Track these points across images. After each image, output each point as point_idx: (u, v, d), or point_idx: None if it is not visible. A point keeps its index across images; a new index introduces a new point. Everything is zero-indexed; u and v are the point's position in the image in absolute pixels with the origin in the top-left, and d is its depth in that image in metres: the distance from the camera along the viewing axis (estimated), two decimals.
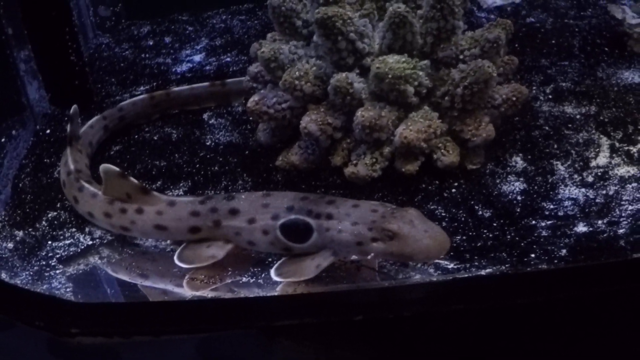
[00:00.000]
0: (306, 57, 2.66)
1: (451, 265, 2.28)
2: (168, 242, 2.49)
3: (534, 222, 2.43)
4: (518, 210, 2.49)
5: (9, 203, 2.79)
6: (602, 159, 2.68)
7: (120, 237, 2.53)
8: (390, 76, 2.47)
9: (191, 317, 2.24)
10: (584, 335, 2.28)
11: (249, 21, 3.96)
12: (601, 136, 2.78)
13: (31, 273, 2.44)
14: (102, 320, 2.27)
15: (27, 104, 3.31)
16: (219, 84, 3.17)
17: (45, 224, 2.65)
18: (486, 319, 2.22)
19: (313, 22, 2.57)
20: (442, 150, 2.56)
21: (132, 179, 2.42)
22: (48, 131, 3.16)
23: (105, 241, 2.54)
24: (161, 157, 2.91)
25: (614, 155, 2.69)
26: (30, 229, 2.63)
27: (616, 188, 2.55)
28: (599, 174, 2.62)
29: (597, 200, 2.50)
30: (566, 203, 2.50)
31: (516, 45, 3.30)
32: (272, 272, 2.25)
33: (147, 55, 3.73)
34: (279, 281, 2.23)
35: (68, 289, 2.36)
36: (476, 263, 2.28)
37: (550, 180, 2.60)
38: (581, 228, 2.39)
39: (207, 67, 3.53)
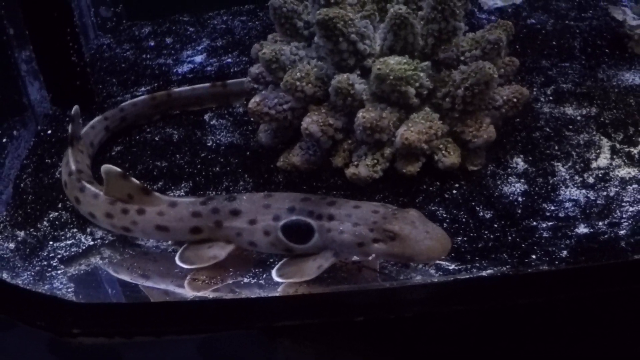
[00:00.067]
0: (307, 58, 2.66)
1: (452, 267, 2.29)
2: (169, 242, 2.49)
3: (534, 223, 2.44)
4: (519, 211, 2.49)
5: (10, 203, 2.79)
6: (603, 161, 2.69)
7: (121, 238, 2.53)
8: (391, 77, 2.47)
9: (193, 317, 2.25)
10: (585, 336, 2.28)
11: (250, 22, 3.96)
12: (602, 137, 2.79)
13: (32, 273, 2.44)
14: (103, 321, 2.28)
15: (29, 105, 3.31)
16: (220, 84, 3.17)
17: (47, 225, 2.65)
18: (487, 320, 2.23)
19: (314, 23, 2.57)
20: (443, 152, 2.57)
21: (133, 179, 2.42)
22: (49, 131, 3.16)
23: (106, 242, 2.54)
24: (162, 158, 2.91)
25: (614, 156, 2.70)
26: (31, 229, 2.63)
27: (617, 189, 2.55)
28: (600, 175, 2.62)
29: (598, 202, 2.51)
30: (567, 204, 2.51)
31: (517, 46, 3.31)
32: (274, 272, 2.25)
33: (148, 56, 3.72)
34: (280, 282, 2.23)
35: (69, 290, 2.36)
36: (477, 264, 2.28)
37: (551, 182, 2.61)
38: (582, 229, 2.39)
39: (208, 68, 3.53)
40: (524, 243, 2.36)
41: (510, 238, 2.38)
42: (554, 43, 3.43)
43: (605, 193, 2.54)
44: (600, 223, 2.42)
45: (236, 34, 3.85)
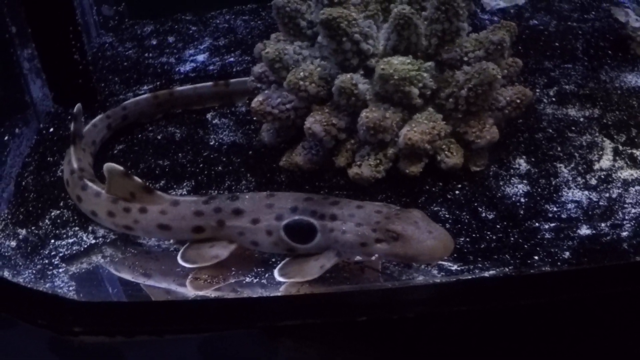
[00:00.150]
0: (311, 58, 2.66)
1: (454, 267, 2.28)
2: (171, 241, 2.48)
3: (537, 224, 2.43)
4: (521, 212, 2.49)
5: (12, 201, 2.79)
6: (606, 162, 2.69)
7: (123, 236, 2.53)
8: (395, 77, 2.47)
9: (194, 316, 2.24)
10: (587, 337, 2.28)
11: (252, 21, 3.96)
12: (604, 139, 2.79)
13: (34, 271, 2.43)
14: (105, 319, 2.27)
15: (31, 103, 3.31)
16: (222, 84, 3.17)
17: (48, 223, 2.64)
18: (489, 321, 2.22)
19: (317, 23, 2.57)
20: (446, 152, 2.56)
21: (135, 178, 2.42)
22: (51, 130, 3.16)
23: (108, 240, 2.54)
24: (165, 157, 2.91)
25: (617, 158, 2.70)
26: (33, 228, 2.63)
27: (619, 191, 2.55)
28: (602, 176, 2.62)
29: (601, 203, 2.51)
30: (569, 206, 2.50)
31: (519, 47, 3.30)
32: (276, 272, 2.24)
33: (150, 55, 3.72)
34: (282, 281, 2.23)
35: (71, 288, 2.36)
36: (479, 265, 2.28)
37: (553, 183, 2.61)
38: (584, 231, 2.39)
39: (211, 67, 3.53)
40: (526, 244, 2.35)
41: (512, 239, 2.38)
42: (556, 44, 3.43)
43: (607, 194, 2.54)
44: (603, 225, 2.41)
45: (238, 33, 3.85)
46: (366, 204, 2.26)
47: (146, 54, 3.73)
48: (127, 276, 2.42)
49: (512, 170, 2.67)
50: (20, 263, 2.48)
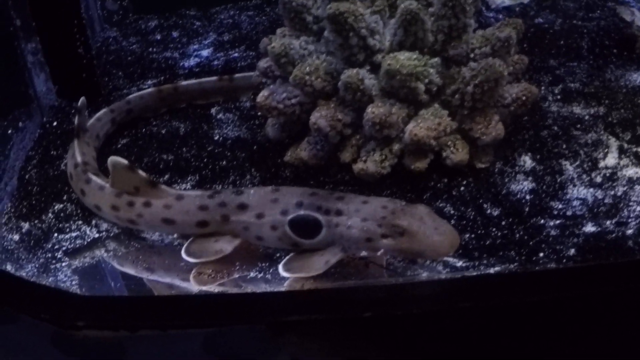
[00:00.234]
0: (316, 53, 2.65)
1: (460, 264, 2.28)
2: (175, 236, 2.48)
3: (542, 221, 2.43)
4: (526, 209, 2.48)
5: (15, 195, 2.78)
6: (611, 160, 2.68)
7: (126, 231, 2.52)
8: (401, 73, 2.47)
9: (198, 311, 2.24)
10: (592, 335, 2.27)
11: (256, 17, 3.96)
12: (610, 137, 2.78)
13: (37, 265, 2.43)
14: (108, 314, 2.26)
15: (34, 96, 3.31)
16: (227, 78, 3.17)
17: (52, 216, 2.64)
18: (494, 318, 2.22)
19: (323, 18, 2.57)
20: (452, 148, 2.56)
21: (140, 171, 2.41)
22: (55, 123, 3.16)
23: (111, 234, 2.54)
24: (169, 151, 2.90)
25: (622, 156, 2.69)
26: (36, 221, 2.62)
27: (624, 189, 2.55)
28: (608, 174, 2.61)
29: (606, 201, 2.50)
30: (575, 203, 2.50)
31: (525, 45, 3.29)
32: (280, 267, 2.24)
33: (154, 50, 3.72)
34: (286, 277, 2.22)
35: (74, 282, 2.36)
36: (485, 261, 2.28)
37: (558, 180, 2.60)
38: (590, 228, 2.39)
39: (215, 62, 3.53)
40: (531, 241, 2.35)
41: (517, 236, 2.38)
42: (561, 43, 3.42)
43: (612, 192, 2.54)
44: (608, 222, 2.41)
45: (243, 28, 3.85)
46: (372, 199, 2.26)
47: (150, 49, 3.73)
48: (130, 270, 2.42)
49: (517, 167, 2.66)
50: (23, 257, 2.47)
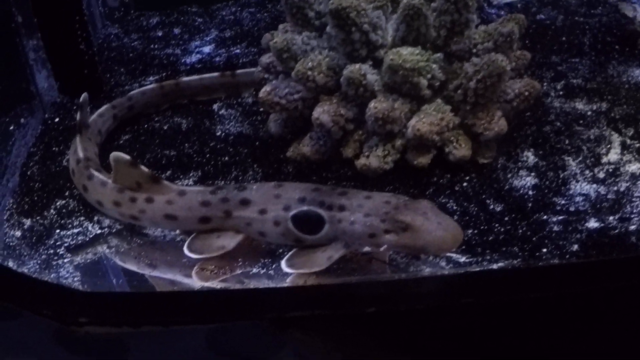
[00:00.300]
0: (319, 48, 2.65)
1: (463, 259, 2.28)
2: (177, 232, 2.47)
3: (545, 217, 2.43)
4: (529, 204, 2.48)
5: (17, 191, 2.78)
6: (613, 156, 2.68)
7: (129, 227, 2.52)
8: (404, 68, 2.47)
9: (201, 307, 2.23)
10: (595, 330, 2.27)
11: (258, 13, 3.96)
12: (612, 133, 2.79)
13: (39, 262, 2.43)
14: (110, 310, 2.26)
15: (36, 93, 3.31)
16: (229, 74, 3.17)
17: (54, 212, 2.63)
18: (497, 313, 2.22)
19: (325, 13, 2.56)
20: (454, 144, 2.55)
21: (142, 167, 2.40)
22: (57, 120, 3.16)
23: (114, 230, 2.53)
24: (171, 147, 2.90)
25: (625, 151, 2.70)
26: (38, 217, 2.62)
27: (627, 185, 2.55)
28: (610, 170, 2.61)
29: (609, 196, 2.50)
30: (577, 199, 2.50)
31: (527, 41, 3.29)
32: (283, 263, 2.23)
33: (156, 46, 3.72)
34: (289, 272, 2.22)
35: (76, 278, 2.35)
36: (488, 257, 2.28)
37: (561, 176, 2.60)
38: (592, 224, 2.39)
39: (217, 59, 3.53)
40: (534, 236, 2.35)
41: (520, 231, 2.38)
42: (563, 39, 3.43)
43: (615, 188, 2.54)
44: (611, 218, 2.41)
45: (244, 25, 3.85)
46: (375, 195, 2.25)
47: (152, 45, 3.74)
48: (132, 267, 2.42)
49: (520, 163, 2.66)
50: (25, 253, 2.47)
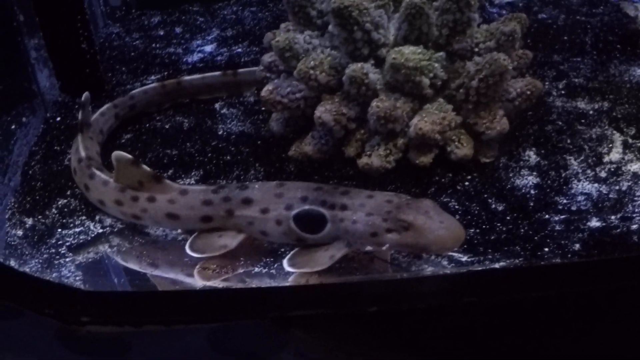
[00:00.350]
0: (321, 47, 2.65)
1: (465, 258, 2.28)
2: (179, 231, 2.47)
3: (547, 216, 2.43)
4: (531, 204, 2.48)
5: (18, 190, 2.78)
6: (615, 155, 2.68)
7: (130, 226, 2.52)
8: (406, 67, 2.47)
9: (203, 306, 2.23)
10: (597, 330, 2.27)
11: (259, 13, 3.96)
12: (614, 132, 2.79)
13: (40, 261, 2.42)
14: (112, 309, 2.26)
15: (38, 92, 3.31)
16: (230, 73, 3.16)
17: (55, 212, 2.63)
18: (500, 312, 2.22)
19: (327, 12, 2.57)
20: (456, 143, 2.55)
21: (144, 166, 2.40)
22: (58, 119, 3.16)
23: (115, 229, 2.53)
24: (173, 146, 2.90)
25: (627, 151, 2.70)
26: (40, 217, 2.62)
27: (629, 184, 2.55)
28: (612, 169, 2.62)
29: (610, 196, 2.50)
30: (579, 198, 2.50)
31: (528, 40, 3.28)
32: (285, 262, 2.24)
33: (157, 45, 3.72)
34: (291, 272, 2.22)
35: (77, 278, 2.35)
36: (490, 256, 2.27)
37: (563, 175, 2.60)
38: (594, 223, 2.38)
39: (218, 58, 3.53)
40: (536, 236, 2.35)
41: (522, 230, 2.38)
42: (565, 38, 3.43)
43: (617, 187, 2.54)
44: (613, 217, 2.41)
45: (246, 24, 3.85)
46: (377, 194, 2.25)
47: (153, 45, 3.73)
48: (134, 266, 2.42)
49: (521, 162, 2.66)
50: (27, 252, 2.47)
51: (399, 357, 2.30)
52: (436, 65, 2.53)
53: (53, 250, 2.47)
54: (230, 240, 2.32)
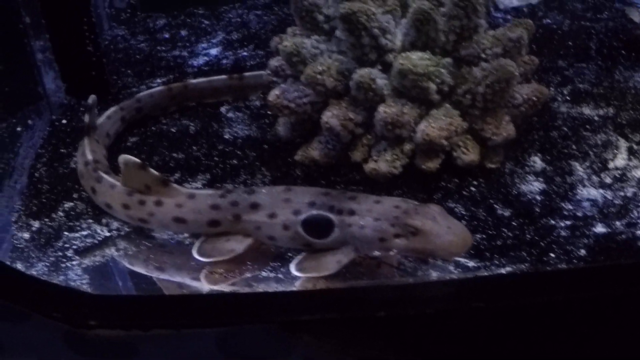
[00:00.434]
0: (328, 52, 2.66)
1: (471, 264, 2.28)
2: (186, 235, 2.47)
3: (553, 222, 2.43)
4: (537, 209, 2.49)
5: (25, 193, 2.78)
6: (620, 161, 2.69)
7: (137, 230, 2.52)
8: (413, 72, 2.47)
9: (211, 311, 2.23)
10: (602, 335, 2.27)
11: (265, 16, 3.96)
12: (619, 138, 2.79)
13: (47, 264, 2.43)
14: (120, 313, 2.26)
15: (44, 94, 3.30)
16: (236, 77, 3.17)
17: (62, 215, 2.63)
18: (506, 318, 2.22)
19: (334, 17, 2.57)
20: (463, 149, 2.56)
21: (152, 170, 2.40)
22: (64, 121, 3.16)
23: (122, 233, 2.53)
24: (179, 150, 2.90)
25: (632, 157, 2.70)
26: (46, 220, 2.62)
27: (635, 190, 2.55)
28: (617, 175, 2.62)
29: (616, 202, 2.51)
30: (585, 203, 2.51)
31: (533, 46, 3.27)
32: (292, 267, 2.24)
33: (163, 48, 3.72)
34: (299, 276, 2.22)
35: (84, 281, 2.35)
36: (496, 262, 2.28)
37: (568, 181, 2.61)
38: (600, 229, 2.39)
39: (224, 61, 3.53)
40: (542, 241, 2.36)
41: (528, 236, 2.38)
42: (570, 43, 3.44)
43: (622, 193, 2.54)
44: (618, 223, 2.41)
45: (252, 27, 3.85)
46: (384, 199, 2.25)
47: (159, 47, 3.73)
48: (141, 270, 2.42)
49: (527, 168, 2.67)
50: (34, 255, 2.47)
51: None
52: (443, 71, 2.54)
53: (60, 254, 2.46)
54: (238, 245, 2.33)
